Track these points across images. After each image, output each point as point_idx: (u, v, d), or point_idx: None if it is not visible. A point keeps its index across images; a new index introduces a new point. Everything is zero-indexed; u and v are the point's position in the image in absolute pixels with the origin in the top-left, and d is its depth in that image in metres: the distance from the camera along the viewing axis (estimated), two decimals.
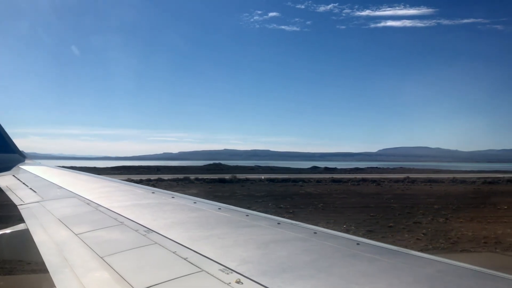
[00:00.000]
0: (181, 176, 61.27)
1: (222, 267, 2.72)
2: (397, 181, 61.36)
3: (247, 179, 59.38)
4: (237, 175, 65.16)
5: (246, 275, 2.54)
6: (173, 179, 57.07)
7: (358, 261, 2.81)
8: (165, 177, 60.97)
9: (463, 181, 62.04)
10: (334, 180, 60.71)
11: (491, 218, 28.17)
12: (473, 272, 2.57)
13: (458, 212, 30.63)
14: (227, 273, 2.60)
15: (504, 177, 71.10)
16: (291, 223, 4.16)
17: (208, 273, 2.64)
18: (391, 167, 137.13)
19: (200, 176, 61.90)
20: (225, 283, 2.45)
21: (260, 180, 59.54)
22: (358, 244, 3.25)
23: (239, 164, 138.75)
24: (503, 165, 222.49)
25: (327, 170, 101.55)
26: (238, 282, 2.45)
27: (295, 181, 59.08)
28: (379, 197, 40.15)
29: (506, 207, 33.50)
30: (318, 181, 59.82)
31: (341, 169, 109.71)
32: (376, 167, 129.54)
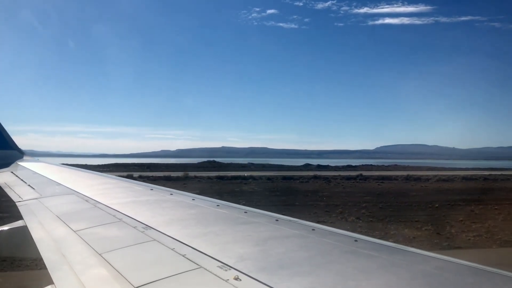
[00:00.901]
0: (124, 173, 59.60)
1: (220, 264, 2.72)
2: (348, 178, 60.24)
3: (195, 177, 58.36)
4: (190, 173, 63.95)
5: (244, 272, 2.54)
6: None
7: (356, 258, 2.82)
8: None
9: (417, 179, 60.96)
10: (285, 178, 59.55)
11: (404, 217, 28.15)
12: (471, 269, 2.57)
13: (380, 211, 30.59)
14: (225, 270, 2.61)
15: (459, 175, 70.15)
16: (289, 220, 4.16)
17: (206, 269, 2.64)
18: (386, 164, 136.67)
19: (146, 174, 60.69)
20: (223, 279, 2.46)
21: (209, 177, 58.71)
22: (356, 241, 3.25)
23: (234, 162, 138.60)
24: (496, 162, 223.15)
25: (319, 167, 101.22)
26: (236, 278, 2.45)
27: (244, 178, 58.25)
28: (314, 195, 39.79)
29: (437, 205, 33.35)
30: (269, 178, 58.83)
31: (334, 166, 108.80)
32: (371, 165, 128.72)
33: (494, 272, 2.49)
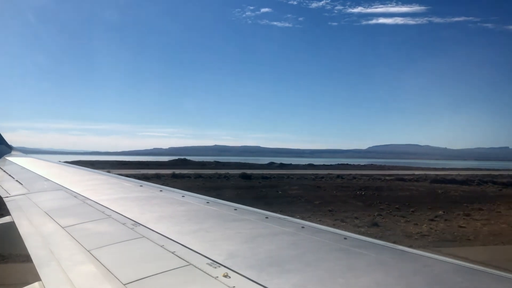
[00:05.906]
0: None
1: (209, 261, 2.71)
2: (265, 177, 57.27)
3: (120, 175, 57.04)
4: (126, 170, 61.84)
5: (233, 269, 2.54)
6: None
7: (345, 256, 2.83)
8: None
9: (338, 176, 58.99)
10: (200, 176, 57.04)
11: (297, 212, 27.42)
12: (459, 267, 2.59)
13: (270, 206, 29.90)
14: (215, 267, 2.60)
15: (395, 173, 66.95)
16: (279, 217, 4.16)
17: (196, 266, 2.63)
18: (362, 163, 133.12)
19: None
20: (212, 276, 2.45)
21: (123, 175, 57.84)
22: (345, 238, 3.26)
23: (205, 160, 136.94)
24: (484, 162, 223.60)
25: (282, 166, 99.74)
26: (225, 275, 2.44)
27: (158, 176, 56.24)
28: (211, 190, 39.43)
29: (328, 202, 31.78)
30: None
31: (295, 165, 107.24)
32: (346, 164, 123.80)
33: (481, 271, 2.51)
